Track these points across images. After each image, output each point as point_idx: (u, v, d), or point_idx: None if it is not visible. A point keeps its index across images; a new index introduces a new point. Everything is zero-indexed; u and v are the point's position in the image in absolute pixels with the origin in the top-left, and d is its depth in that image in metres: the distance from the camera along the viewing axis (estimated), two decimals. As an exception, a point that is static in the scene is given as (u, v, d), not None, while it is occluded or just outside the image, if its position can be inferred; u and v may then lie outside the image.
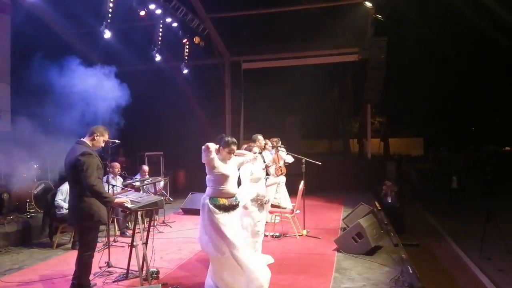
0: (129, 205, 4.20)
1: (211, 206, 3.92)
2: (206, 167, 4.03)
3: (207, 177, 4.05)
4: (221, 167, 3.98)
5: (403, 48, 16.01)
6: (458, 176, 13.92)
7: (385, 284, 4.53)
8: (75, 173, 3.89)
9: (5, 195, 6.86)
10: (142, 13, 10.17)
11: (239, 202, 4.16)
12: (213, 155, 3.92)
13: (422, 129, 25.58)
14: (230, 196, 4.03)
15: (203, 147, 3.94)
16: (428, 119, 24.57)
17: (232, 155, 4.14)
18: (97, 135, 4.12)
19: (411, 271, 4.73)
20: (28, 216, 7.01)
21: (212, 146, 3.94)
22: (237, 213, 4.15)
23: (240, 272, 3.91)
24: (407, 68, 18.10)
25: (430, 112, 23.91)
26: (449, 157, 20.80)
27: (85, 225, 3.95)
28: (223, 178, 3.98)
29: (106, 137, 4.22)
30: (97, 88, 6.41)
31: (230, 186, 4.04)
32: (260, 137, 6.17)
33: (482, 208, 8.58)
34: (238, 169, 4.37)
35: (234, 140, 4.18)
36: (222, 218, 3.91)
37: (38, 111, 6.90)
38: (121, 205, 4.19)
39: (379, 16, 10.77)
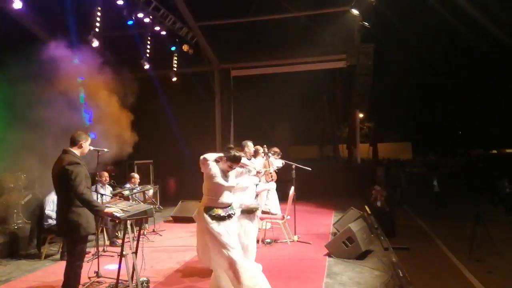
0: (119, 214, 4.17)
1: (206, 216, 3.92)
2: (204, 175, 4.02)
3: (204, 184, 4.04)
4: (220, 177, 3.98)
5: (390, 54, 16.24)
6: (439, 180, 14.06)
7: (376, 288, 4.56)
8: (63, 183, 3.85)
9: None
10: (130, 22, 10.19)
11: (234, 212, 4.16)
12: (211, 165, 3.94)
13: (410, 133, 25.86)
14: (225, 206, 4.04)
15: (200, 159, 3.93)
16: (416, 124, 24.86)
17: (231, 169, 4.12)
18: (83, 142, 4.10)
19: (401, 274, 4.77)
20: (16, 227, 6.90)
21: (210, 156, 3.94)
22: (232, 222, 4.13)
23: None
24: (395, 74, 18.34)
25: (418, 117, 24.21)
26: (437, 161, 21.05)
27: (74, 235, 3.91)
28: (220, 188, 3.99)
29: (89, 140, 4.20)
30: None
31: (225, 197, 4.04)
32: (249, 143, 6.15)
33: (470, 211, 8.68)
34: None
35: (240, 158, 4.13)
36: (217, 227, 3.92)
37: (24, 120, 6.85)
38: (111, 214, 4.17)
39: (365, 23, 10.93)
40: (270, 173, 7.21)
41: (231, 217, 4.07)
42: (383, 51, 13.83)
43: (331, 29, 12.57)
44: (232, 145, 4.26)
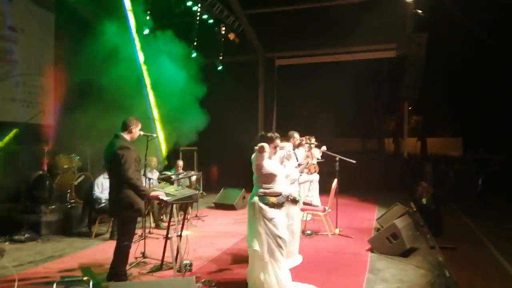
0: (165, 198, 4.31)
1: (261, 204, 3.95)
2: (253, 166, 4.04)
3: (255, 176, 4.07)
4: (269, 166, 4.00)
5: (443, 44, 15.37)
6: (484, 179, 13.25)
7: (420, 287, 4.42)
8: (114, 166, 4.03)
9: (52, 184, 7.16)
10: (179, 10, 10.34)
11: (284, 200, 4.17)
12: (266, 155, 3.96)
13: (462, 128, 24.55)
14: (278, 194, 4.05)
15: (257, 147, 3.93)
16: (468, 119, 23.53)
17: (277, 149, 4.13)
18: (133, 127, 4.25)
19: (448, 275, 4.59)
20: (69, 206, 7.31)
21: (267, 147, 3.95)
22: (283, 212, 4.15)
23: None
24: (447, 65, 17.40)
25: (470, 112, 22.89)
26: (488, 158, 19.89)
27: (126, 215, 4.09)
28: (271, 177, 4.01)
29: (140, 126, 4.35)
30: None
31: (278, 185, 4.06)
32: (296, 134, 6.15)
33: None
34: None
35: (277, 134, 4.19)
36: (272, 212, 3.95)
37: (81, 105, 7.19)
38: (156, 197, 4.31)
39: (419, 11, 10.40)
40: (313, 164, 7.14)
41: (282, 205, 4.09)
42: (436, 41, 13.13)
43: (381, 17, 12.08)
44: (262, 132, 4.25)
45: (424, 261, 5.32)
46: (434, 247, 5.96)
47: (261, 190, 4.01)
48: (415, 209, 8.28)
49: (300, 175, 6.26)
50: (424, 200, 9.68)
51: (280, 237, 3.93)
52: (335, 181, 6.72)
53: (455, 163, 19.07)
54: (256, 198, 3.99)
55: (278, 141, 4.13)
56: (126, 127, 4.25)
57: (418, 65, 12.25)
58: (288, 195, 4.90)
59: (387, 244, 5.56)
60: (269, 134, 4.14)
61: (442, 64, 17.17)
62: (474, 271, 7.04)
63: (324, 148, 7.33)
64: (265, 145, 3.94)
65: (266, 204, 3.95)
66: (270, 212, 3.94)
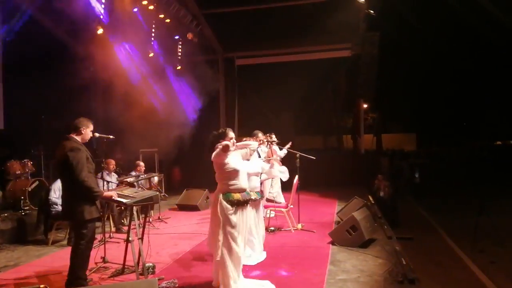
0: (117, 198, 4.22)
1: (224, 203, 3.91)
2: (214, 165, 4.01)
3: (217, 174, 4.04)
4: (231, 162, 3.98)
5: (396, 43, 16.05)
6: (419, 170, 14.00)
7: (379, 276, 4.60)
8: (66, 169, 3.90)
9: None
10: (135, 9, 10.16)
11: (251, 196, 4.17)
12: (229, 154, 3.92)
13: (415, 124, 25.69)
14: (242, 190, 4.05)
15: (221, 146, 3.87)
16: (421, 115, 24.67)
17: (233, 142, 4.09)
18: (84, 128, 4.14)
19: (404, 263, 4.80)
20: (23, 213, 6.99)
21: (231, 144, 3.92)
22: (249, 210, 4.15)
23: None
24: (400, 63, 18.16)
25: (423, 108, 24.01)
26: (441, 152, 20.95)
27: (79, 219, 3.96)
28: (234, 173, 3.99)
29: (91, 127, 4.23)
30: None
31: (242, 181, 4.05)
32: (260, 134, 6.29)
33: (474, 202, 8.66)
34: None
35: (229, 128, 4.18)
36: (234, 217, 3.92)
37: (32, 108, 6.89)
38: (109, 197, 4.21)
39: (371, 11, 10.80)
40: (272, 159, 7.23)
41: (249, 202, 4.09)
42: (389, 40, 13.67)
43: (336, 17, 12.43)
44: (214, 131, 4.23)
45: (383, 251, 5.53)
46: (391, 237, 6.21)
47: (225, 187, 3.99)
48: (373, 202, 8.58)
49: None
50: (381, 193, 10.04)
51: (236, 238, 3.91)
52: (296, 177, 6.85)
53: (410, 157, 19.93)
54: (220, 196, 3.97)
55: (231, 134, 4.09)
56: (76, 128, 4.12)
57: (372, 64, 12.72)
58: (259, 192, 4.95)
59: (347, 236, 5.74)
60: (220, 130, 4.10)
61: (395, 63, 17.88)
62: (430, 259, 7.39)
63: (288, 145, 7.49)
64: (228, 143, 3.90)
65: (231, 201, 3.93)
66: (231, 212, 3.91)
